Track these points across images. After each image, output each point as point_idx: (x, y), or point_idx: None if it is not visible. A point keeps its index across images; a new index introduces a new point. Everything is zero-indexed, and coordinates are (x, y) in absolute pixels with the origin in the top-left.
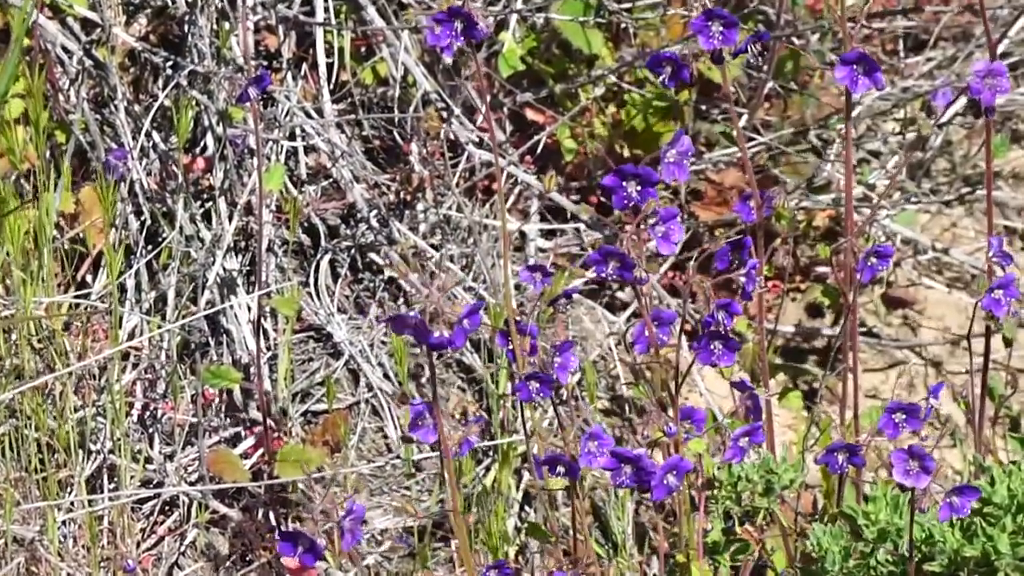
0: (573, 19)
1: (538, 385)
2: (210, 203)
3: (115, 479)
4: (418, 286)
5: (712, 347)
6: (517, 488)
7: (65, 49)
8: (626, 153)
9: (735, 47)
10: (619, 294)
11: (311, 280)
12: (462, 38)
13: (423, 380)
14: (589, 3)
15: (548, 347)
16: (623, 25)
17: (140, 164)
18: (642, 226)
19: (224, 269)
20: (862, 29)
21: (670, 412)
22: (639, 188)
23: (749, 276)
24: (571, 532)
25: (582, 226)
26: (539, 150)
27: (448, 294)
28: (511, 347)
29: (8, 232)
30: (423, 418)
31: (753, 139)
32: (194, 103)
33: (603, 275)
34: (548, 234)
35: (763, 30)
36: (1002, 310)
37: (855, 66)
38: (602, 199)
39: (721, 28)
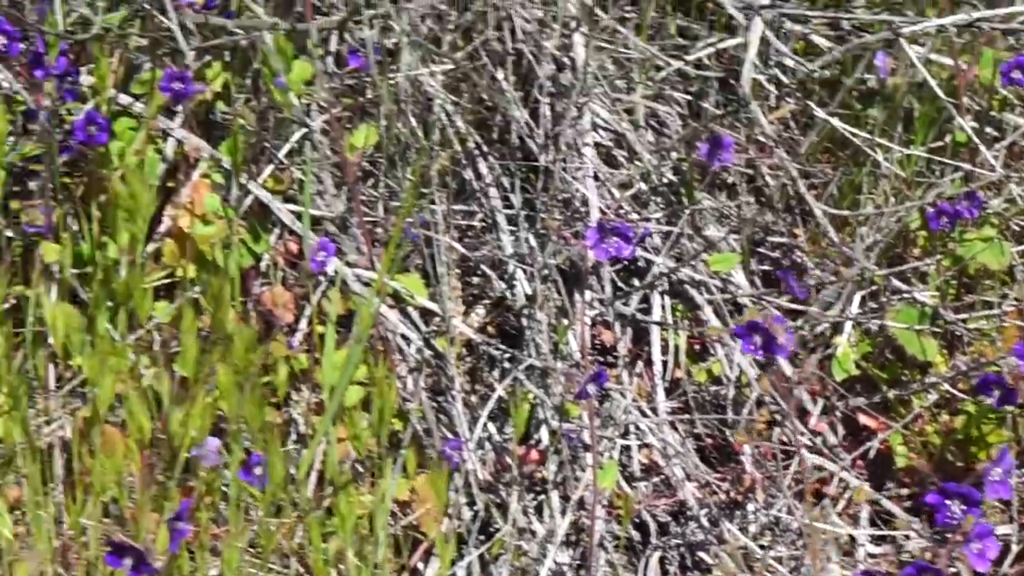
0: (908, 327)
1: None
2: (543, 496)
3: None
4: None
5: None
6: None
7: (405, 338)
8: (958, 461)
9: None
10: None
11: None
12: (761, 352)
13: None
14: (924, 311)
15: None
16: (958, 333)
17: (475, 454)
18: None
19: (555, 563)
20: None
21: None
22: (963, 507)
23: None
24: None
25: (913, 534)
26: (871, 455)
27: None
28: None
29: (341, 517)
30: None
31: None
32: (531, 396)
33: None
34: (878, 540)
35: None
36: None
37: None
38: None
39: None
